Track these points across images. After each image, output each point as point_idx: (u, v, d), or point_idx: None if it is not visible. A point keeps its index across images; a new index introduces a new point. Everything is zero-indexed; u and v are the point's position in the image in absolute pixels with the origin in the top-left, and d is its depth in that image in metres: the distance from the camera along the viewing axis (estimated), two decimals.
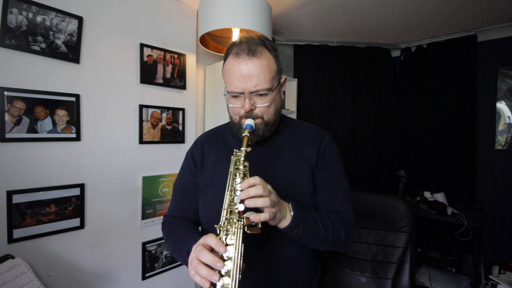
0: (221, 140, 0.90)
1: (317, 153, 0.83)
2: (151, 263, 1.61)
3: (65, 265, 1.27)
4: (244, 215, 0.61)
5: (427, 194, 2.26)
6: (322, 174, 0.82)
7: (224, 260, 0.56)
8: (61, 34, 1.24)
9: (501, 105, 2.18)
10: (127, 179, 1.50)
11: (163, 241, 1.64)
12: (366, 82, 2.64)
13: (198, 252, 0.57)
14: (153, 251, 1.61)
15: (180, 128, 1.73)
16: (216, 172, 0.84)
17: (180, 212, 0.89)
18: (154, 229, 1.61)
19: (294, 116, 2.31)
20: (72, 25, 1.27)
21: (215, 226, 0.61)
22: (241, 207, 0.60)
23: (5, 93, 1.11)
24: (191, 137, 1.79)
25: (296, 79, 2.31)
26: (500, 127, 2.19)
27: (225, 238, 0.59)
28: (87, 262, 1.34)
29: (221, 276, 0.55)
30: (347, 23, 2.18)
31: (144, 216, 1.56)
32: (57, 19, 1.23)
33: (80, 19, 1.29)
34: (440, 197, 2.19)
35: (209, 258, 0.56)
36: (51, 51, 1.22)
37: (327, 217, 0.75)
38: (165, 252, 1.67)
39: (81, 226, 1.32)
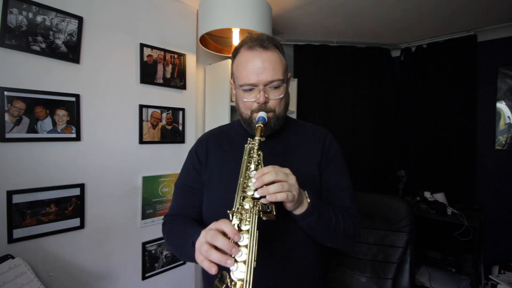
0: (226, 139, 0.91)
1: (321, 150, 0.84)
2: (151, 263, 1.61)
3: (65, 265, 1.27)
4: (260, 201, 0.58)
5: (427, 194, 2.25)
6: (327, 171, 0.83)
7: (238, 246, 0.53)
8: (61, 34, 1.24)
9: (501, 105, 2.18)
10: (127, 179, 1.50)
11: (163, 241, 1.64)
12: (366, 82, 2.64)
13: (212, 237, 0.53)
14: (153, 251, 1.61)
15: (180, 128, 1.73)
16: (222, 169, 0.84)
17: (182, 210, 0.88)
18: (154, 229, 1.61)
19: (294, 116, 2.31)
20: (72, 25, 1.27)
21: (228, 212, 0.58)
22: (256, 194, 0.58)
23: (5, 93, 1.11)
24: (191, 137, 1.79)
25: (296, 79, 2.31)
26: (500, 127, 2.19)
27: (237, 225, 0.56)
28: (87, 262, 1.34)
29: (235, 261, 0.52)
30: (347, 23, 2.18)
31: (144, 216, 1.56)
32: (57, 19, 1.23)
33: (80, 19, 1.29)
34: (440, 197, 2.19)
35: (224, 243, 0.52)
36: (51, 51, 1.22)
37: (338, 209, 0.75)
38: (165, 252, 1.67)
39: (81, 226, 1.32)
